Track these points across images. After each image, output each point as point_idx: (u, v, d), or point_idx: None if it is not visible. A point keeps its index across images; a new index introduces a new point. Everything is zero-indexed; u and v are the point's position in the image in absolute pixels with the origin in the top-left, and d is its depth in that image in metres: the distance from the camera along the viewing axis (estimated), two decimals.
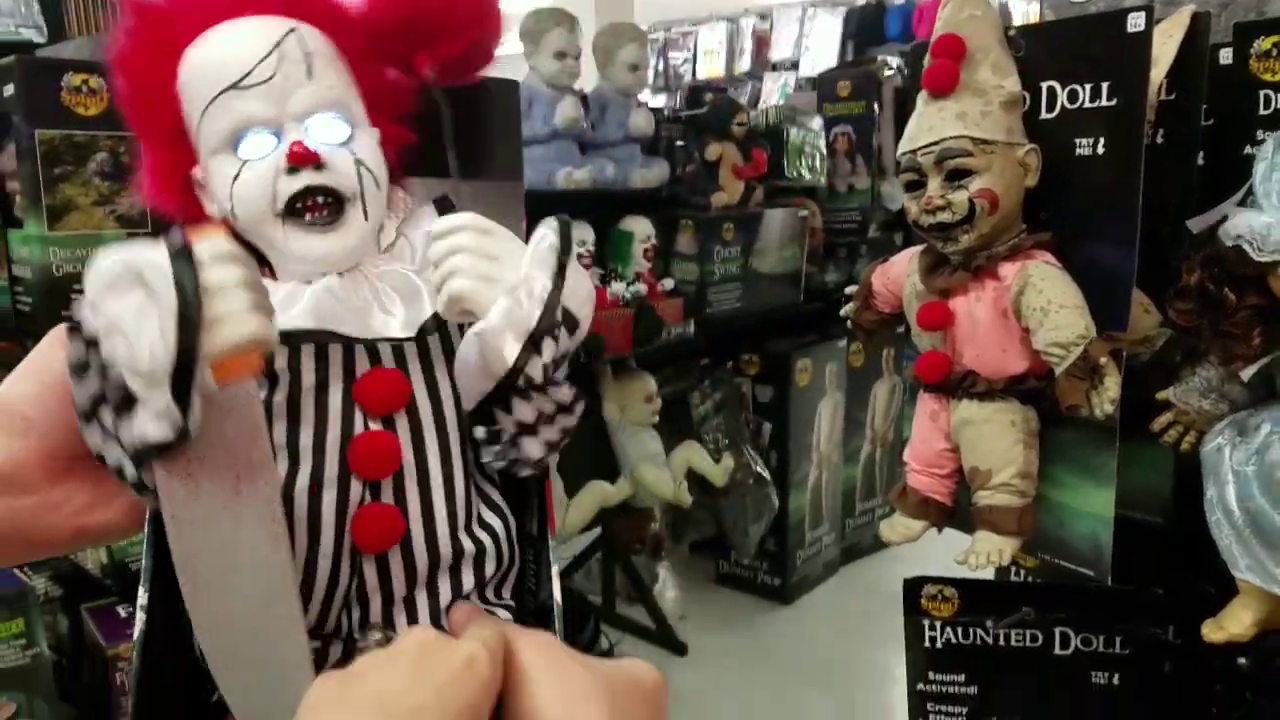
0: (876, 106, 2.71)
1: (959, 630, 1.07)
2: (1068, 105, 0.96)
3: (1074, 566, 1.03)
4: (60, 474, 0.55)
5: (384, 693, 0.38)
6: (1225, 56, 0.99)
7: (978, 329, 0.99)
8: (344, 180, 0.59)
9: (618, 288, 2.18)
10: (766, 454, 2.63)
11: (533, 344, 0.56)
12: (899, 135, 1.02)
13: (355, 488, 0.58)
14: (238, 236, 0.55)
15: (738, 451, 2.51)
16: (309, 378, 0.58)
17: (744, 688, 2.29)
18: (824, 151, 2.70)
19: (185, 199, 0.62)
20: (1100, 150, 0.94)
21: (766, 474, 2.55)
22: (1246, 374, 0.86)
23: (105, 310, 0.46)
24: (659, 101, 4.49)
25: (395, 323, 0.59)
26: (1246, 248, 0.79)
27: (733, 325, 2.48)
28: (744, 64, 4.93)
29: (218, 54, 0.58)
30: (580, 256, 2.14)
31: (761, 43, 4.91)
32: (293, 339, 0.57)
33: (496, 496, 0.66)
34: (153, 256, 0.45)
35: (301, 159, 0.57)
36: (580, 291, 0.59)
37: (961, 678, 1.09)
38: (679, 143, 2.43)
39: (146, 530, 0.55)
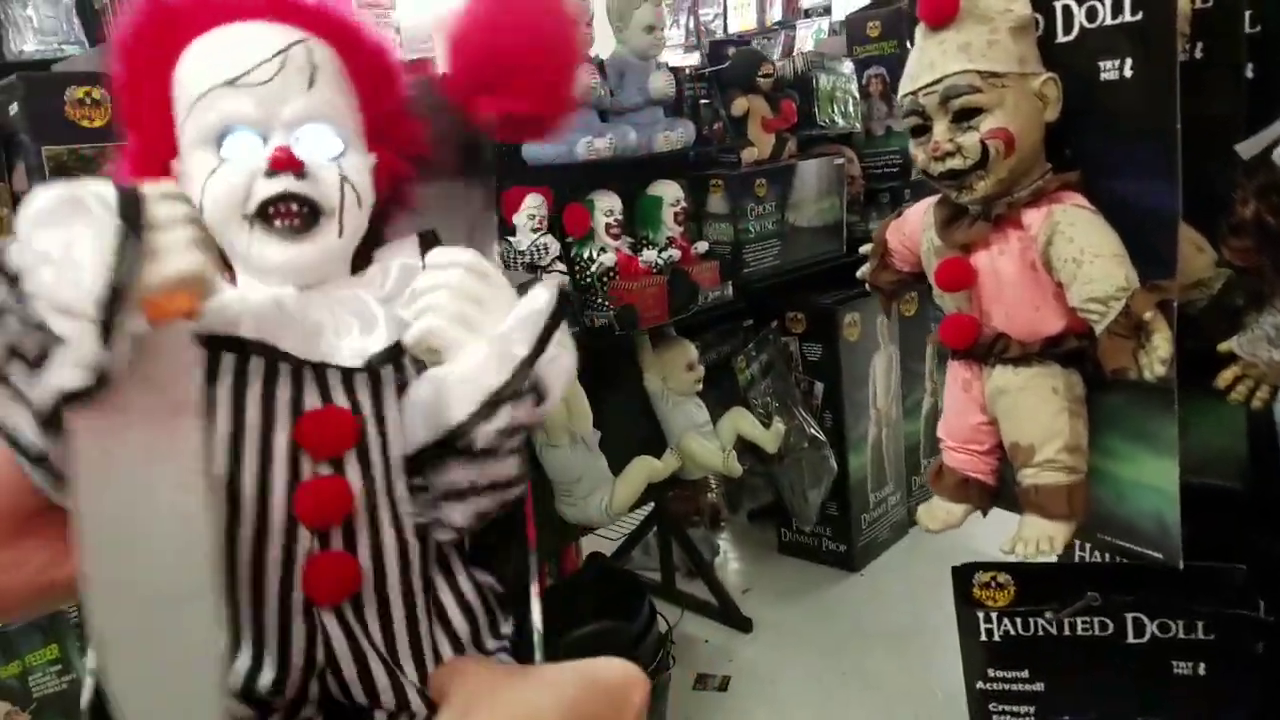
0: (909, 44, 2.53)
1: (1017, 621, 0.97)
2: (1087, 24, 0.83)
3: (1138, 548, 0.92)
4: (11, 535, 0.52)
5: None
6: None
7: (1004, 286, 0.88)
8: (324, 192, 0.57)
9: (649, 255, 2.09)
10: (820, 415, 2.53)
11: (489, 407, 0.52)
12: None
13: (303, 537, 0.54)
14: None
15: (789, 414, 2.41)
16: (253, 413, 0.54)
17: (813, 661, 2.21)
18: (857, 96, 2.54)
19: None
20: (1128, 72, 0.82)
21: (822, 435, 2.45)
22: None
23: (35, 242, 0.43)
24: (693, 60, 4.35)
25: (345, 349, 0.56)
26: None
27: (774, 284, 2.38)
28: (775, 14, 4.73)
29: (221, 48, 0.57)
30: (609, 226, 2.06)
31: None
32: (225, 345, 0.53)
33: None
34: (98, 187, 0.44)
35: (284, 164, 0.55)
36: (560, 363, 0.56)
37: (1025, 673, 0.99)
38: (704, 101, 2.31)
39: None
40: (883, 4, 2.57)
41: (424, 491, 0.56)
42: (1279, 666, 0.89)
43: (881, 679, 2.12)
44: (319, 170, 0.57)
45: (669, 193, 2.16)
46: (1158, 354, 0.79)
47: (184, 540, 0.42)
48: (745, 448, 2.35)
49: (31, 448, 0.45)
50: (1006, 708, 0.98)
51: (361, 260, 0.62)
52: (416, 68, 1.96)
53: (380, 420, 0.57)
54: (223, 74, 0.56)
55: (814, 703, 2.07)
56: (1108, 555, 0.98)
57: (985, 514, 0.99)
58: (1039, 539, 0.88)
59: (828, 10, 4.02)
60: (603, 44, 2.07)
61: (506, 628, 0.63)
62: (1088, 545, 1.06)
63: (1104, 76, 0.83)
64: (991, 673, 0.98)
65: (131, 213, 0.43)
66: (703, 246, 2.22)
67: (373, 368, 0.56)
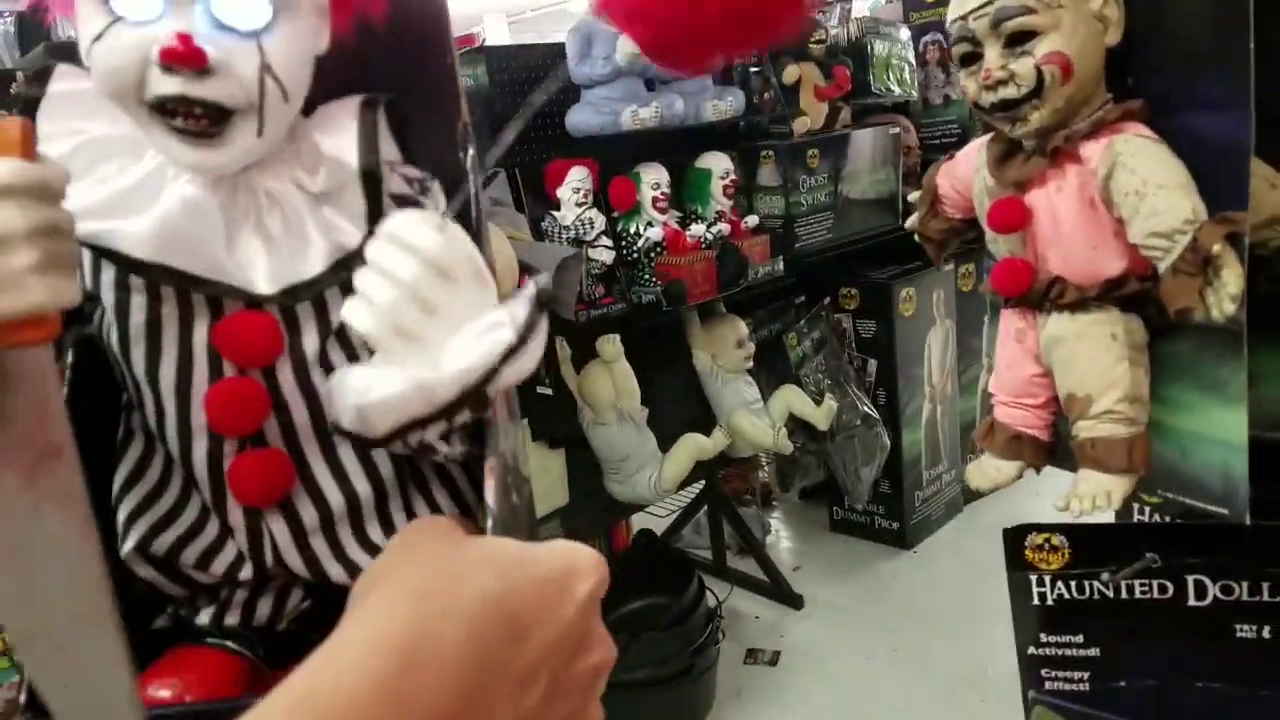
0: None
1: (1072, 584, 0.93)
2: None
3: (1203, 505, 0.87)
4: None
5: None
6: None
7: (1061, 226, 0.83)
8: (235, 90, 0.46)
9: (697, 229, 2.07)
10: (874, 392, 2.48)
11: (411, 429, 0.46)
12: None
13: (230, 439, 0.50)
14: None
15: (841, 391, 2.37)
16: (169, 305, 0.49)
17: (865, 639, 2.17)
18: (913, 63, 2.48)
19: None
20: None
21: (875, 413, 2.40)
22: None
23: None
24: None
25: (261, 268, 0.49)
26: None
27: (826, 258, 2.33)
28: None
29: None
30: (656, 200, 2.04)
31: None
32: (126, 266, 0.47)
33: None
34: None
35: (179, 57, 0.43)
36: (517, 373, 0.47)
37: (1079, 638, 0.94)
38: (754, 69, 2.27)
39: None
40: None
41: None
42: None
43: (934, 657, 2.07)
44: (230, 58, 0.45)
45: (718, 165, 2.13)
46: (1227, 290, 0.74)
47: (73, 571, 0.37)
48: (797, 425, 2.32)
49: None
50: (1060, 673, 0.93)
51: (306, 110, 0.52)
52: (464, 42, 1.96)
53: (310, 340, 0.51)
54: None
55: (865, 679, 2.03)
56: (1168, 516, 0.93)
57: (1039, 471, 0.94)
58: (1095, 494, 0.84)
59: None
60: None
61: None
62: (1146, 509, 1.01)
63: None
64: (1044, 638, 0.93)
65: None
66: (753, 220, 2.19)
67: (289, 302, 0.50)
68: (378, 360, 0.46)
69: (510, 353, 0.45)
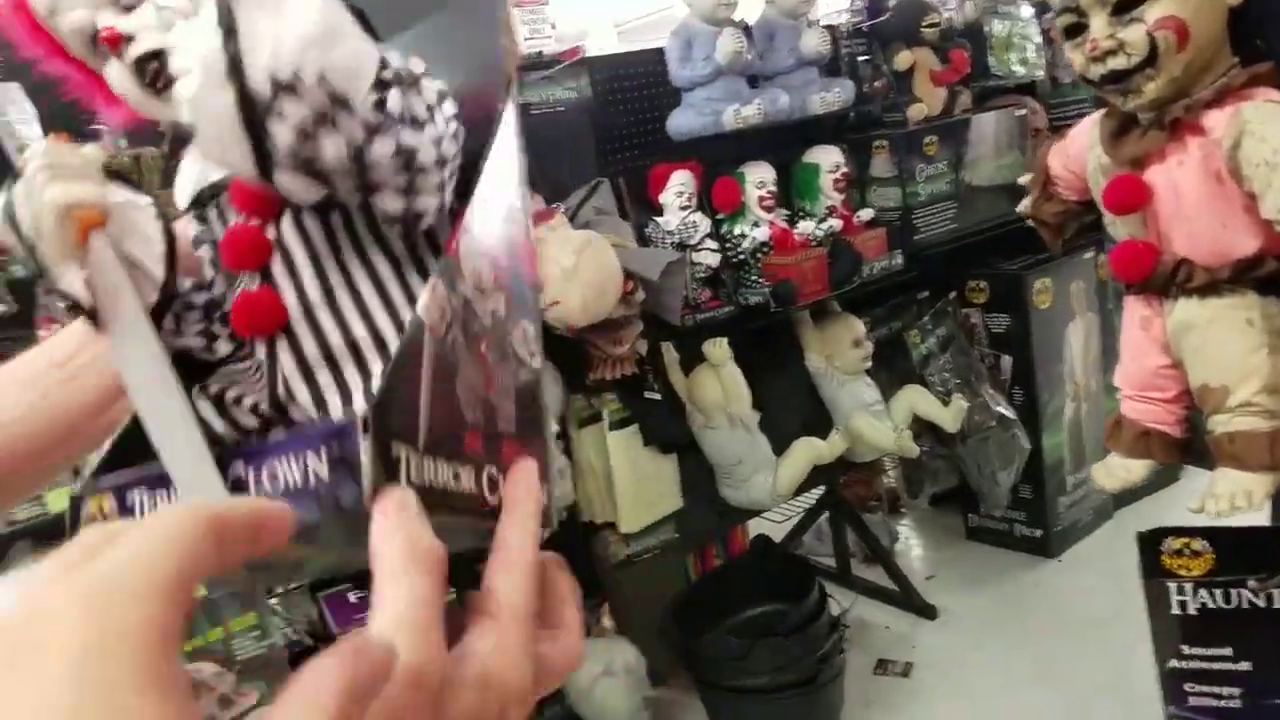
0: None
1: (1216, 593, 0.84)
2: None
3: None
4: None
5: None
6: None
7: (1185, 203, 0.75)
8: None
9: (807, 226, 2.01)
10: (1010, 391, 2.34)
11: None
12: None
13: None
14: None
15: (972, 391, 2.25)
16: None
17: (1004, 652, 2.05)
18: (1039, 41, 2.33)
19: None
20: None
21: (1011, 413, 2.26)
22: None
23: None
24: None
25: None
26: None
27: (950, 250, 2.22)
28: None
29: None
30: (762, 199, 1.99)
31: None
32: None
33: None
34: None
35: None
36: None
37: (1227, 651, 0.86)
38: (862, 58, 2.19)
39: None
40: None
41: None
42: None
43: (1079, 672, 1.93)
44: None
45: (827, 159, 2.07)
46: None
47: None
48: (923, 428, 2.22)
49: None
50: (1206, 689, 0.84)
51: None
52: (568, 55, 1.97)
53: None
54: None
55: (1004, 693, 1.92)
56: None
57: (1169, 470, 0.85)
58: (1234, 494, 0.74)
59: None
60: (748, 5, 2.00)
61: None
62: None
63: None
64: (1186, 650, 0.85)
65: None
66: (867, 214, 2.11)
67: None
68: None
69: None
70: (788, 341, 2.16)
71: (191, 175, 0.53)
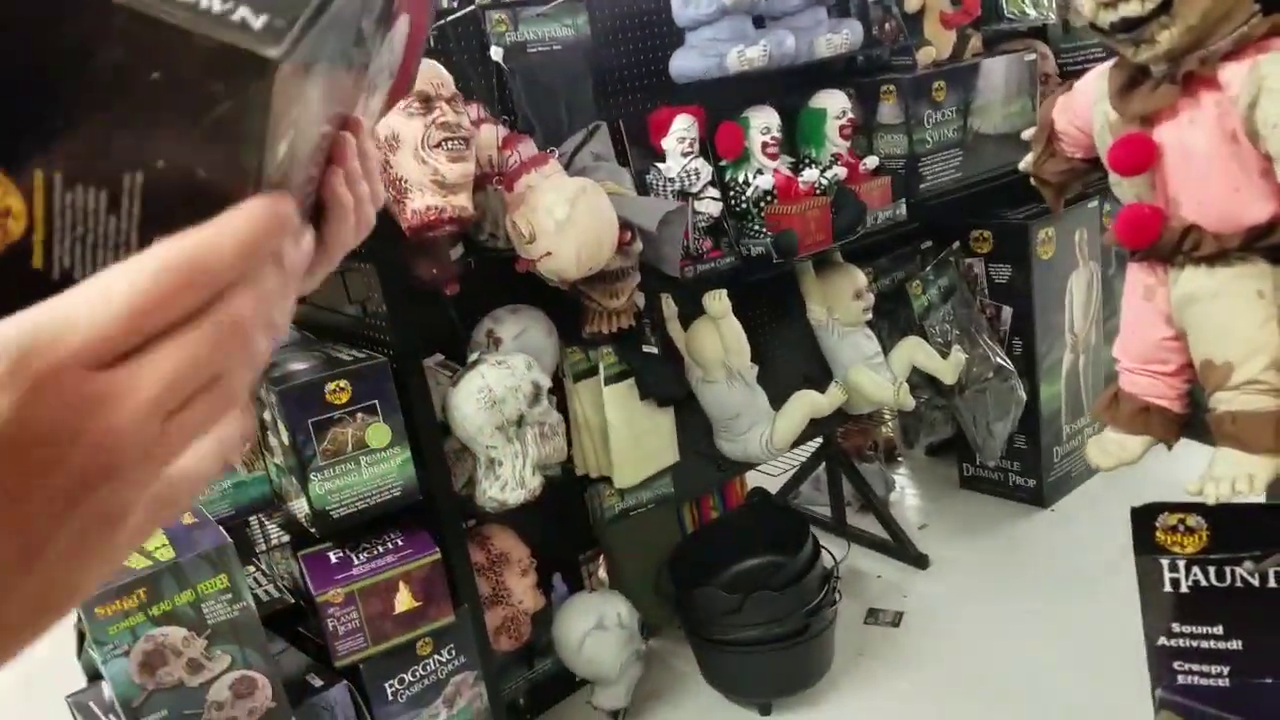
0: None
1: (1210, 570, 0.83)
2: None
3: None
4: None
5: None
6: None
7: (1195, 165, 0.72)
8: None
9: (810, 175, 1.96)
10: (1009, 342, 2.32)
11: None
12: None
13: None
14: None
15: (971, 342, 2.22)
16: None
17: (995, 602, 2.06)
18: None
19: None
20: None
21: (1009, 364, 2.24)
22: None
23: None
24: None
25: None
26: None
27: (955, 199, 2.17)
28: None
29: None
30: (766, 145, 1.94)
31: None
32: None
33: None
34: None
35: None
36: None
37: (1218, 629, 0.85)
38: None
39: None
40: None
41: None
42: None
43: (1070, 623, 1.95)
44: None
45: (834, 104, 2.01)
46: None
47: None
48: (922, 379, 2.20)
49: None
50: (1195, 667, 0.83)
51: None
52: None
53: None
54: None
55: (995, 643, 1.93)
56: None
57: (1170, 447, 0.83)
58: (1235, 477, 0.72)
59: None
60: None
61: None
62: None
63: None
64: (1177, 628, 0.84)
65: None
66: (872, 162, 2.07)
67: None
68: None
69: None
70: (788, 293, 2.13)
71: None
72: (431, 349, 1.64)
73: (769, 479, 2.48)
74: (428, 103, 1.36)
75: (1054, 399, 2.35)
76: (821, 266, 2.10)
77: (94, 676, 1.36)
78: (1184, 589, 0.83)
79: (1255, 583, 0.77)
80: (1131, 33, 0.70)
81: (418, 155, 1.35)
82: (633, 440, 1.81)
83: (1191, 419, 0.82)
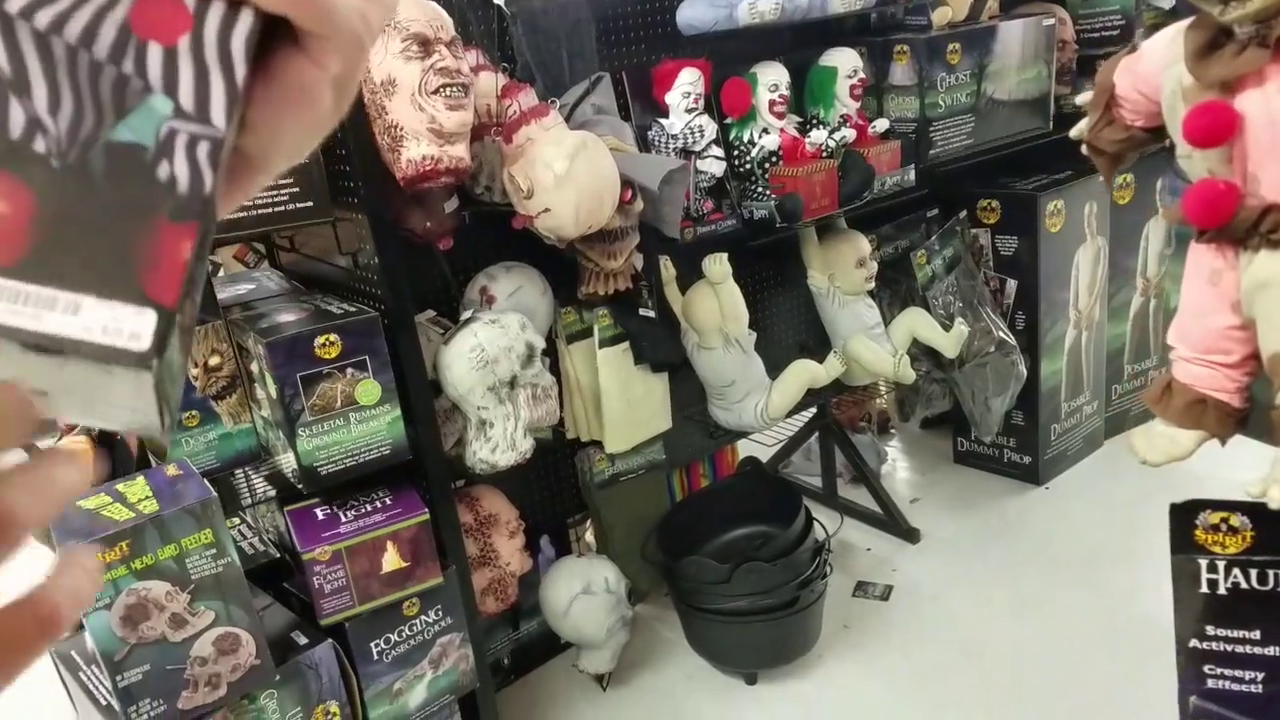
0: None
1: (1252, 573, 0.78)
2: None
3: None
4: None
5: None
6: None
7: None
8: None
9: (818, 136, 1.88)
10: (1011, 315, 2.27)
11: None
12: None
13: None
14: None
15: (974, 315, 2.17)
16: None
17: (985, 578, 2.04)
18: None
19: None
20: None
21: (1011, 338, 2.20)
22: None
23: None
24: None
25: None
26: None
27: (964, 166, 2.11)
28: None
29: None
30: (773, 103, 1.86)
31: None
32: None
33: None
34: None
35: None
36: None
37: (1255, 634, 0.80)
38: None
39: None
40: None
41: None
42: None
43: (1059, 601, 1.93)
44: None
45: (845, 62, 1.93)
46: None
47: None
48: (921, 351, 2.15)
49: None
50: (1228, 671, 0.79)
51: None
52: None
53: None
54: None
55: (982, 620, 1.91)
56: None
57: (1224, 443, 0.78)
58: None
59: None
60: None
61: None
62: None
63: None
64: (1211, 630, 0.79)
65: None
66: (882, 125, 1.99)
67: None
68: None
69: None
70: (789, 258, 2.06)
71: None
72: (423, 304, 1.56)
73: (761, 447, 2.43)
74: (426, 46, 1.27)
75: (1054, 375, 2.31)
76: (824, 232, 2.04)
77: (76, 627, 1.32)
78: (1222, 590, 0.79)
79: None
80: None
81: (414, 101, 1.26)
82: (626, 405, 1.75)
83: (1249, 414, 0.77)
